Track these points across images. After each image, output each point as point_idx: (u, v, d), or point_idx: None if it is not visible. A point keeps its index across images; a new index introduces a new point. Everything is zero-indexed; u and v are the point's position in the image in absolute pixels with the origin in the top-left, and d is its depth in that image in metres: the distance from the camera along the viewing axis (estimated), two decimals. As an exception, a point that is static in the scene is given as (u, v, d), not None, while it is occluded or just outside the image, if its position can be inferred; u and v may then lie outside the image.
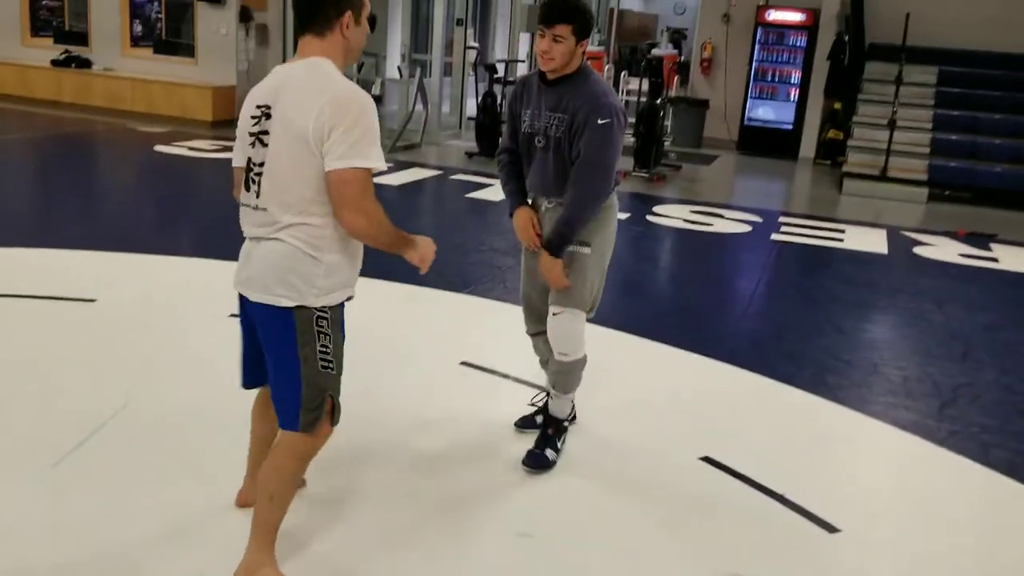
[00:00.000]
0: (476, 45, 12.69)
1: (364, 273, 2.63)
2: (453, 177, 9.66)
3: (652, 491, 3.35)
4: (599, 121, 3.09)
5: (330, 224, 2.43)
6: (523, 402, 3.81)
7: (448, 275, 5.80)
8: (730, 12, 13.09)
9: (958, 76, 11.80)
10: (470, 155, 10.93)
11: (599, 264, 3.35)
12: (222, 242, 6.89)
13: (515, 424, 3.69)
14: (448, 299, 5.42)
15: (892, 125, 10.57)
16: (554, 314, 3.33)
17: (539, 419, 3.62)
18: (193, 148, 9.96)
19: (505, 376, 4.23)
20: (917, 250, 7.83)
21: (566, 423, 3.55)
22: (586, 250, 3.28)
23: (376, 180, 2.43)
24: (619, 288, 6.14)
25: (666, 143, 11.12)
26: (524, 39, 14.89)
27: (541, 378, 3.81)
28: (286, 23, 12.39)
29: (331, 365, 2.51)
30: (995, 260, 7.62)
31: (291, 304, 2.43)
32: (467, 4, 12.13)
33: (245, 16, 11.72)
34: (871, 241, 8.02)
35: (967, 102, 11.51)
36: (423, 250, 2.62)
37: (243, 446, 2.90)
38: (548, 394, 3.58)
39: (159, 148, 9.88)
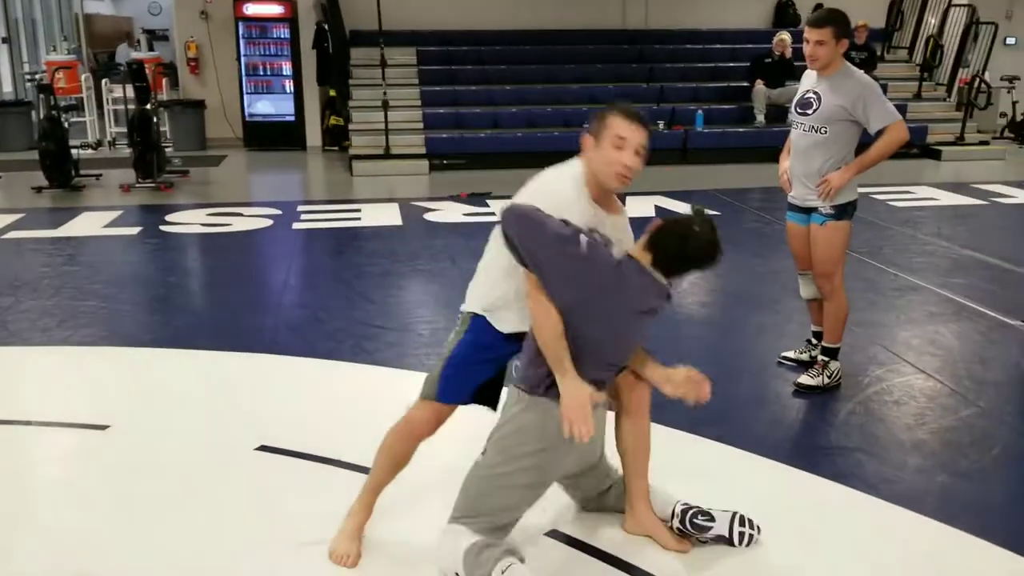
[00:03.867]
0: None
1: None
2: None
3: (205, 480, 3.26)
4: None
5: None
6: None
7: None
8: (207, 9, 12.84)
9: (435, 55, 12.82)
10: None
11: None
12: None
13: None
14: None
15: (386, 106, 11.19)
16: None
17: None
18: None
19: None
20: (427, 216, 8.43)
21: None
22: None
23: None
24: (145, 307, 5.84)
25: (167, 149, 10.65)
26: None
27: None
28: None
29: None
30: (492, 214, 8.46)
31: None
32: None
33: None
34: (386, 216, 8.47)
35: (446, 78, 12.58)
36: (567, 399, 2.50)
37: None
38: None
39: None
